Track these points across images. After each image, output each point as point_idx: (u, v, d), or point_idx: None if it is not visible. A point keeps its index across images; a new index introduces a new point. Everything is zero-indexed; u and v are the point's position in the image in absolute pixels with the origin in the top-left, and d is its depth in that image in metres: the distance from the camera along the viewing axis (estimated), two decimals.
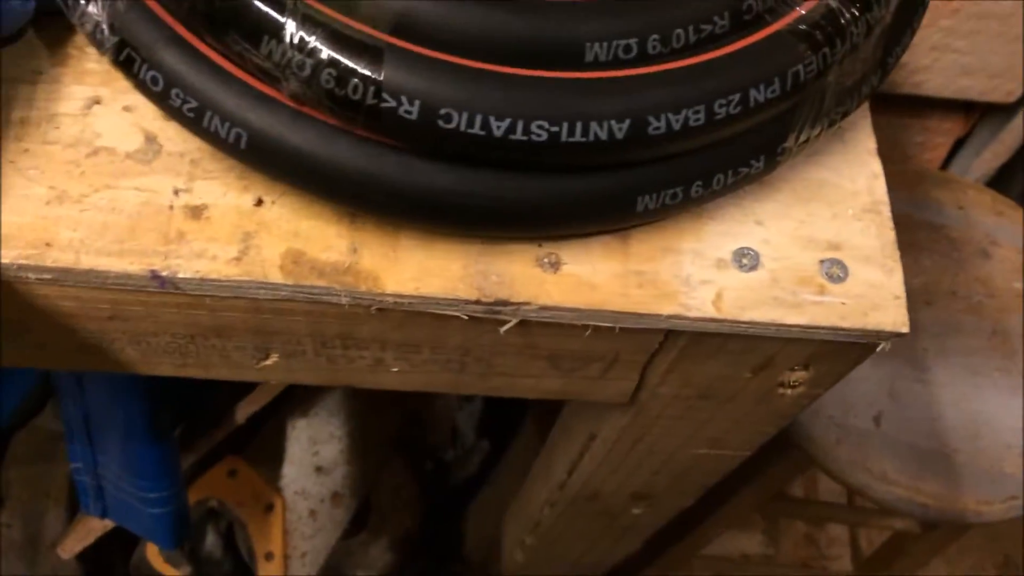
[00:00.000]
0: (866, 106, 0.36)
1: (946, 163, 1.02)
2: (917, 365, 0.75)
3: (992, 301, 0.77)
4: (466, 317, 0.33)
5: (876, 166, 0.36)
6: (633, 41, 0.30)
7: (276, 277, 0.32)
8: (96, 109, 0.33)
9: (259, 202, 0.33)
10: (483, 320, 0.33)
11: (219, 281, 0.31)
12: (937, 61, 0.89)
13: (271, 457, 0.93)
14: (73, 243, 0.31)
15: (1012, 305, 0.77)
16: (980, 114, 0.97)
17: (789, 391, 0.39)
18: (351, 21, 0.28)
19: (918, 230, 0.79)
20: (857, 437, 0.72)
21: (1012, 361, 0.75)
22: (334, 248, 0.32)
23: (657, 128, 0.29)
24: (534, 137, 0.28)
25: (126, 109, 0.33)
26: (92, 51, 0.34)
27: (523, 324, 0.33)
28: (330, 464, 0.95)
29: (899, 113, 0.96)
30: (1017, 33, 0.85)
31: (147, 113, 0.33)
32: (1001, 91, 0.90)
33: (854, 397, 0.73)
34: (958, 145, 1.01)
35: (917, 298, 0.77)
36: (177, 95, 0.29)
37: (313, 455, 0.94)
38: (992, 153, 0.97)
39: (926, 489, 0.71)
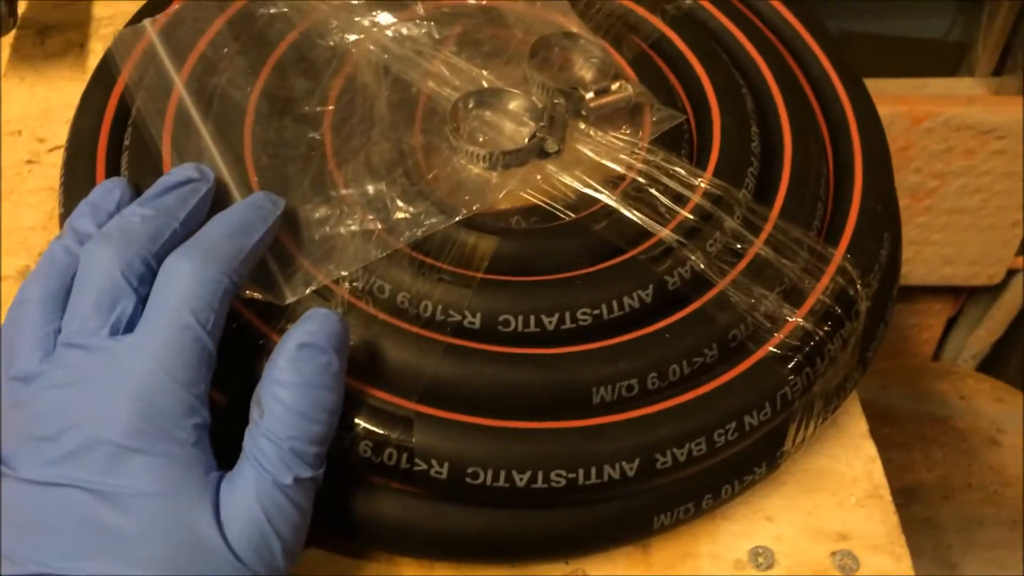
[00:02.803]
0: (854, 392, 0.39)
1: (941, 342, 1.05)
2: (945, 562, 0.76)
3: (1008, 490, 0.78)
4: None
5: (871, 449, 0.38)
6: (634, 380, 0.33)
7: None
8: None
9: None
10: None
11: None
12: (918, 254, 0.94)
13: None
14: None
15: None
16: (967, 295, 1.01)
17: None
18: (383, 393, 0.32)
19: (925, 424, 0.82)
20: None
21: None
22: None
23: (664, 462, 0.32)
24: (553, 484, 0.31)
25: None
26: None
27: None
28: None
29: None
30: (989, 223, 0.91)
31: None
32: (983, 275, 0.95)
33: None
34: (951, 324, 1.05)
35: (935, 493, 0.79)
36: None
37: None
38: (985, 330, 1.00)
39: None
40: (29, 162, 0.45)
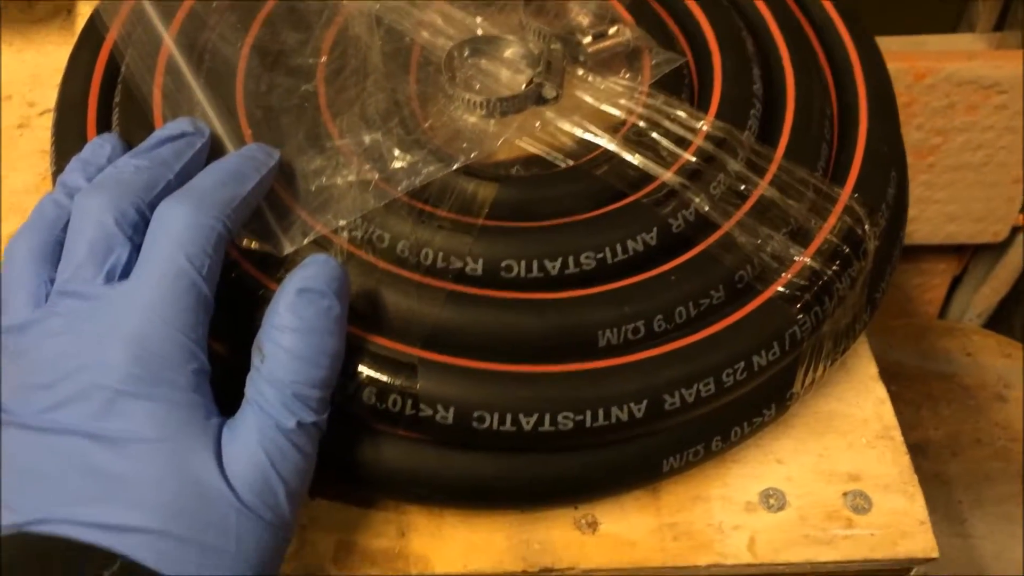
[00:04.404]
0: (863, 335, 0.39)
1: (946, 301, 1.05)
2: (954, 519, 0.75)
3: (1016, 445, 0.78)
4: None
5: (881, 391, 0.38)
6: (640, 323, 0.32)
7: (331, 570, 0.33)
8: None
9: (310, 495, 0.35)
10: None
11: None
12: (922, 212, 0.93)
13: None
14: None
15: None
16: (972, 252, 1.01)
17: None
18: (386, 340, 0.31)
19: (931, 381, 0.81)
20: None
21: None
22: (383, 534, 0.34)
23: (672, 403, 0.31)
24: (560, 427, 0.31)
25: None
26: None
27: None
28: None
29: None
30: (993, 179, 0.90)
31: None
32: (987, 233, 0.94)
33: None
34: (956, 283, 1.04)
35: (943, 449, 0.78)
36: None
37: None
38: (990, 288, 1.00)
39: None
40: (20, 126, 0.44)
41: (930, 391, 0.80)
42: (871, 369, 0.39)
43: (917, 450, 0.75)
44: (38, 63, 0.46)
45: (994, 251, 0.98)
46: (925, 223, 0.94)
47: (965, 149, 0.88)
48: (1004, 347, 0.82)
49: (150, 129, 0.35)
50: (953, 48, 0.92)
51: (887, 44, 0.96)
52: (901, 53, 0.84)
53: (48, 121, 0.40)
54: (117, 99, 0.37)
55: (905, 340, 0.83)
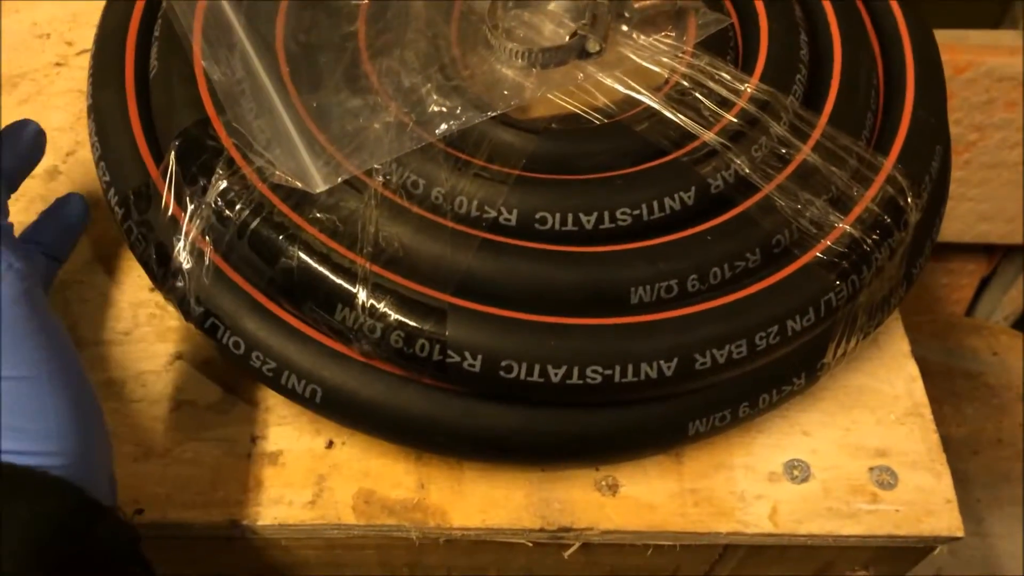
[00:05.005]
0: (897, 310, 0.38)
1: (973, 302, 1.03)
2: (972, 517, 0.75)
3: None
4: (531, 544, 0.34)
5: (913, 368, 0.37)
6: (674, 282, 0.32)
7: (349, 518, 0.33)
8: (178, 364, 0.36)
9: (330, 444, 0.34)
10: (547, 544, 0.34)
11: (295, 526, 0.33)
12: (954, 209, 0.92)
13: None
14: (159, 499, 0.33)
15: None
16: (1002, 254, 0.99)
17: None
18: (416, 285, 0.31)
19: (956, 379, 0.80)
20: None
21: None
22: (402, 485, 0.34)
23: (703, 363, 0.31)
24: (589, 380, 0.30)
25: (205, 363, 0.36)
26: (172, 309, 0.36)
27: (586, 546, 0.35)
28: None
29: None
30: None
31: (224, 365, 0.36)
32: (1019, 233, 0.93)
33: None
34: (984, 284, 1.03)
35: (964, 447, 0.77)
36: (257, 357, 0.32)
37: None
38: (1019, 291, 0.98)
39: None
40: (57, 64, 0.44)
41: (954, 388, 0.79)
42: (904, 346, 0.38)
43: None
44: (78, 3, 0.46)
45: None
46: (956, 220, 0.93)
47: (1002, 147, 0.87)
48: None
49: (189, 64, 0.34)
50: (995, 44, 0.90)
51: None
52: (942, 45, 0.83)
53: (85, 61, 0.40)
54: (157, 33, 0.36)
55: (931, 336, 0.82)
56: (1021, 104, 0.84)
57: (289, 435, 0.35)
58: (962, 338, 0.82)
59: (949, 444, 0.77)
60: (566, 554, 0.35)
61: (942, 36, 0.98)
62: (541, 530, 0.33)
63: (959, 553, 0.73)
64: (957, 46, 0.86)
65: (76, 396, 0.27)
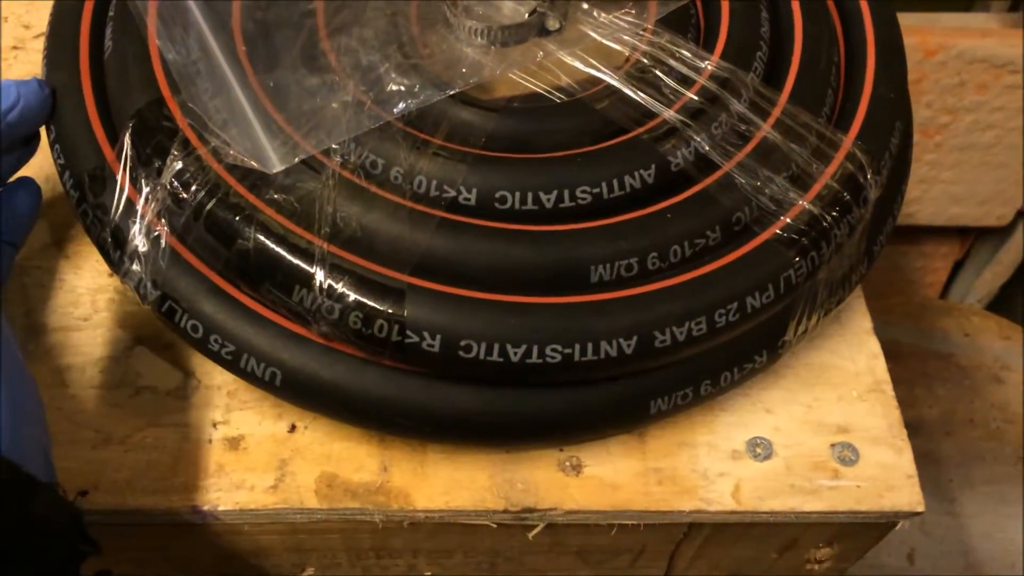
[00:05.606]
0: (859, 287, 0.38)
1: (947, 285, 1.04)
2: (945, 497, 0.75)
3: (1011, 427, 0.78)
4: (495, 525, 0.34)
5: (874, 345, 0.37)
6: (634, 260, 0.32)
7: (312, 502, 0.33)
8: (138, 350, 0.35)
9: (292, 428, 0.34)
10: (512, 526, 0.34)
11: (257, 511, 0.33)
12: (927, 192, 0.92)
13: None
14: (119, 484, 0.32)
15: None
16: (975, 237, 1.00)
17: (817, 566, 0.39)
18: (374, 266, 0.31)
19: (928, 360, 0.81)
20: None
21: None
22: (365, 468, 0.34)
23: (663, 341, 0.31)
24: (549, 359, 0.30)
25: (166, 347, 0.35)
26: (132, 294, 0.36)
27: (550, 527, 0.35)
28: None
29: (896, 242, 0.99)
30: (1000, 161, 0.89)
31: (185, 350, 0.35)
32: (992, 216, 0.93)
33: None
34: (957, 267, 1.03)
35: (936, 429, 0.78)
36: (215, 340, 0.31)
37: None
38: (992, 274, 0.99)
39: None
40: (15, 48, 0.44)
41: (926, 370, 0.80)
42: (865, 323, 0.38)
43: (910, 428, 0.74)
44: None
45: (998, 235, 0.97)
46: (929, 204, 0.93)
47: (974, 129, 0.87)
48: (1004, 329, 0.82)
49: (144, 43, 0.34)
50: (967, 26, 0.90)
51: (899, 19, 0.95)
52: (912, 28, 0.83)
53: (42, 44, 0.39)
54: (111, 13, 0.36)
55: (903, 318, 0.83)
56: (992, 86, 0.85)
57: (251, 420, 0.34)
58: (934, 320, 0.83)
59: (922, 425, 0.78)
60: (531, 535, 0.35)
61: (914, 19, 0.98)
62: (505, 511, 0.33)
63: (932, 533, 0.73)
64: (929, 28, 0.86)
65: (4, 368, 0.27)
